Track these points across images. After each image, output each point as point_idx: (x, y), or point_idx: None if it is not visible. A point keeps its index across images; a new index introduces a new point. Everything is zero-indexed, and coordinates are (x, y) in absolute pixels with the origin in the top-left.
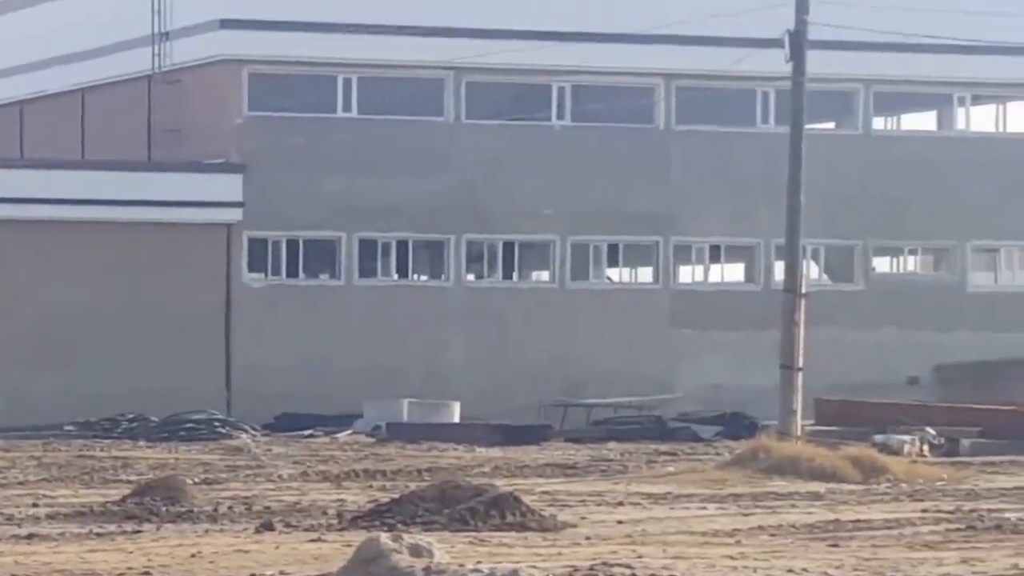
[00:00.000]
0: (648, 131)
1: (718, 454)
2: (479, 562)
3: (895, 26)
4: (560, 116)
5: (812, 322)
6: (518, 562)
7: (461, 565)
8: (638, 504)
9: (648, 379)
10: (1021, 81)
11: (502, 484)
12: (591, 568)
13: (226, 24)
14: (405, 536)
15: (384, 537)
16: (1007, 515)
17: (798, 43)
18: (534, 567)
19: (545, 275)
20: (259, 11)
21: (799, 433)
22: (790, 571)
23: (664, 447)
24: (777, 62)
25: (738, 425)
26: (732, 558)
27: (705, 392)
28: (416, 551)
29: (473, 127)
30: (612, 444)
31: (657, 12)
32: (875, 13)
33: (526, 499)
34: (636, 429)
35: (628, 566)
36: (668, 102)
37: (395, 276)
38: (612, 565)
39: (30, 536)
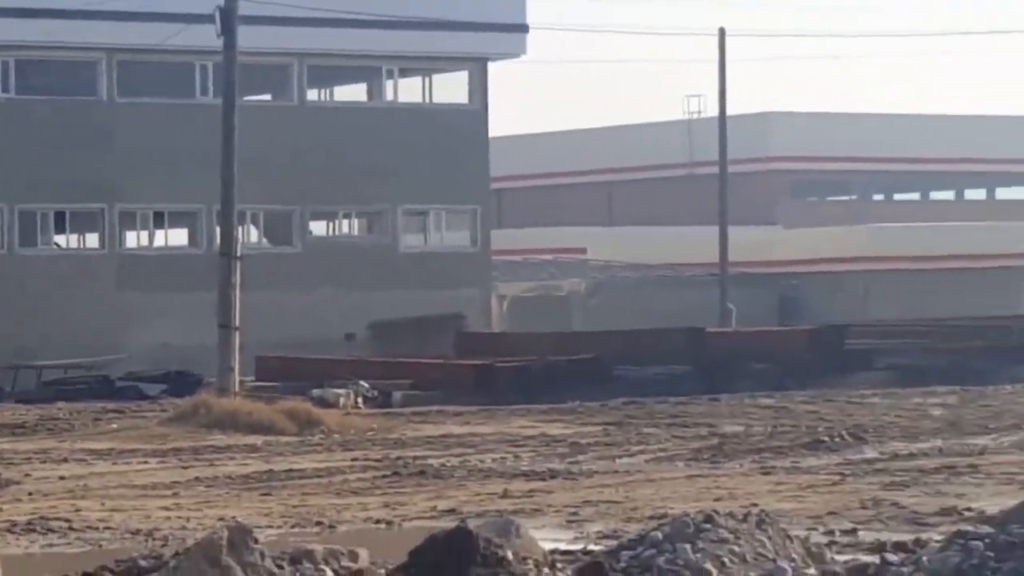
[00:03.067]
0: (92, 103)
1: (163, 411)
2: None
3: (326, 3)
4: (5, 90)
5: (252, 284)
6: None
7: None
8: (82, 460)
9: (97, 341)
10: (445, 54)
11: None
12: (29, 523)
13: None
14: None
15: None
16: (430, 462)
17: (229, 19)
18: None
19: None
20: None
21: (237, 389)
22: (221, 519)
23: (111, 405)
24: (212, 37)
25: (183, 382)
26: (168, 509)
27: (153, 352)
28: None
29: None
30: (61, 404)
31: None
32: None
33: None
34: (85, 389)
35: (66, 520)
36: (111, 76)
37: None
38: (50, 519)
39: None
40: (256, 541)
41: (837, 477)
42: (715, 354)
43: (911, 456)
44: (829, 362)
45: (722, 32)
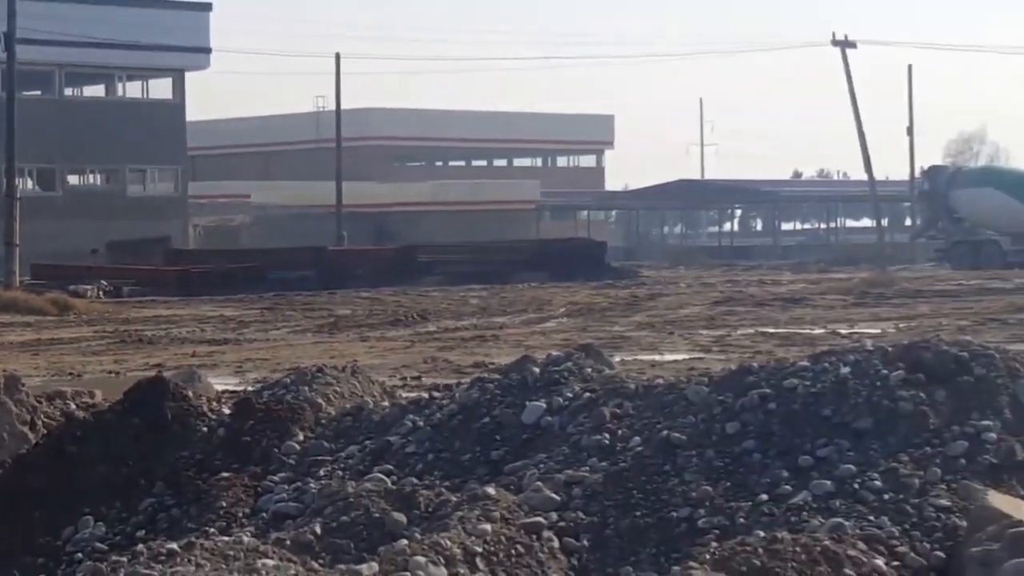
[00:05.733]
0: None
1: None
2: None
3: (76, 30)
4: None
5: (28, 216)
6: None
7: None
8: None
9: None
10: (157, 67)
11: None
12: None
13: None
14: None
15: None
16: (146, 333)
17: (10, 40)
18: None
19: None
20: None
21: (17, 285)
22: (4, 370)
23: None
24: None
25: None
26: None
27: None
28: None
29: None
30: None
31: None
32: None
33: None
34: None
35: None
36: None
37: None
38: None
39: None
40: (24, 385)
41: (409, 343)
42: (333, 264)
43: (456, 329)
44: (406, 269)
45: (337, 56)
